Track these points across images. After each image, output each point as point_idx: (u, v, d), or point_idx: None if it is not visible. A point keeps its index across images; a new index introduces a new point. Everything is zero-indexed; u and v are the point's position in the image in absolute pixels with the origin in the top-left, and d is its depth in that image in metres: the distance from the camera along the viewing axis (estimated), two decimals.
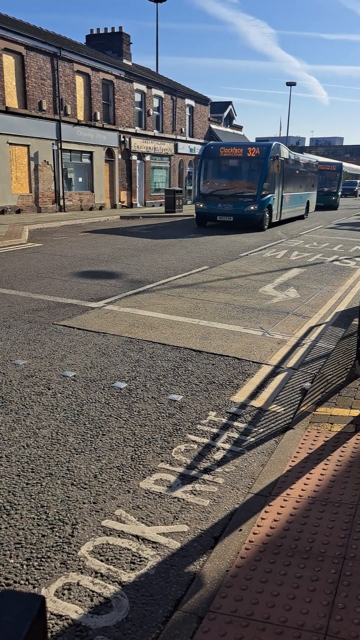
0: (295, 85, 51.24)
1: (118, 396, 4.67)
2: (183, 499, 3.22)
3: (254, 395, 4.82)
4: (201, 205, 19.80)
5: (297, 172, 24.04)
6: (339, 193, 35.85)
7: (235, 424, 4.25)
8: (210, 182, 20.34)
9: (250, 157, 19.68)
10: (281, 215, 21.78)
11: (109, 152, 27.21)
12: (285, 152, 21.78)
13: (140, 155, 29.74)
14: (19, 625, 0.64)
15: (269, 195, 19.72)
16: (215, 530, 2.96)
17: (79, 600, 2.44)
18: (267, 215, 19.64)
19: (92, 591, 2.50)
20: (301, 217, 25.97)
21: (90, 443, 3.84)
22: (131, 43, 30.93)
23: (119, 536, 2.88)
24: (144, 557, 2.73)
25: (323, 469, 3.45)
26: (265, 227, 19.64)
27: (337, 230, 21.39)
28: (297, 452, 3.69)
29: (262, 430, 4.17)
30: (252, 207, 18.99)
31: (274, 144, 20.35)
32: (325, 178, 34.10)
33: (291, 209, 23.50)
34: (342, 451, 3.68)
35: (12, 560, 2.67)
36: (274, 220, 20.84)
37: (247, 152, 19.70)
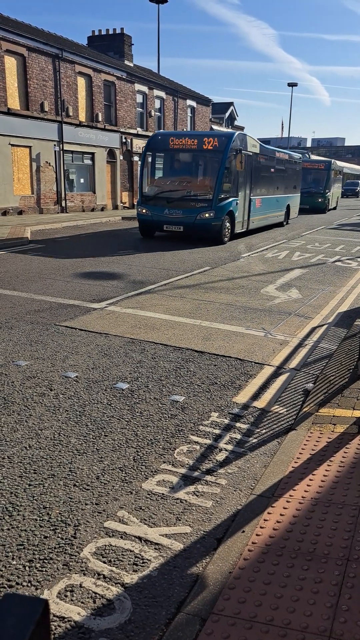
0: (296, 85, 51.22)
1: (120, 397, 4.66)
2: (185, 500, 3.21)
3: (256, 396, 4.81)
4: (144, 211, 15.58)
5: (273, 170, 20.11)
6: (328, 194, 31.68)
7: (238, 425, 4.24)
8: (156, 181, 16.47)
9: (207, 150, 15.50)
10: (249, 224, 17.77)
11: (111, 153, 27.23)
12: (253, 144, 17.64)
13: None
14: (22, 629, 0.63)
15: (231, 199, 15.66)
16: (218, 531, 2.94)
17: (82, 602, 2.44)
18: (228, 224, 15.63)
19: (95, 593, 2.49)
20: (280, 225, 21.89)
21: (92, 444, 3.83)
22: (133, 44, 30.98)
23: (121, 537, 2.87)
24: (147, 559, 2.72)
25: (326, 470, 3.44)
26: (226, 239, 15.58)
27: (338, 230, 21.36)
28: (300, 453, 3.68)
29: (264, 431, 4.16)
30: (206, 214, 14.80)
31: (236, 133, 16.05)
32: (312, 178, 30.92)
33: (264, 215, 19.36)
34: (345, 452, 3.66)
35: (14, 562, 2.67)
36: (239, 230, 16.87)
37: (202, 144, 15.44)
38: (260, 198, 18.68)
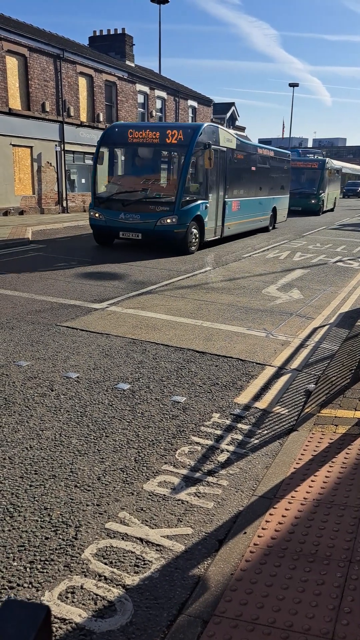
0: (297, 86, 51.25)
1: (121, 397, 4.65)
2: (187, 502, 3.20)
3: (257, 396, 4.80)
4: (97, 215, 13.34)
5: (254, 168, 17.73)
6: (322, 195, 29.48)
7: (239, 425, 4.23)
8: (111, 180, 14.28)
9: (170, 144, 13.31)
10: (223, 230, 15.27)
11: None
12: (228, 139, 15.13)
13: None
14: (24, 635, 0.62)
15: (199, 202, 13.31)
16: (220, 533, 2.93)
17: (83, 604, 2.43)
18: (196, 230, 13.33)
19: (96, 594, 2.48)
20: (264, 230, 19.56)
21: (93, 445, 3.82)
22: (134, 44, 31.00)
23: (122, 539, 2.86)
24: (148, 560, 2.71)
25: (328, 471, 3.42)
26: (193, 248, 13.31)
27: (340, 231, 21.34)
28: (302, 454, 3.67)
29: (266, 432, 4.15)
30: (168, 220, 12.55)
31: (205, 125, 13.64)
32: (306, 178, 29.06)
33: (244, 219, 16.93)
34: (347, 453, 3.65)
35: (15, 563, 2.66)
36: (211, 237, 14.47)
37: (165, 137, 13.17)
38: (239, 200, 16.26)
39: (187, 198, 12.94)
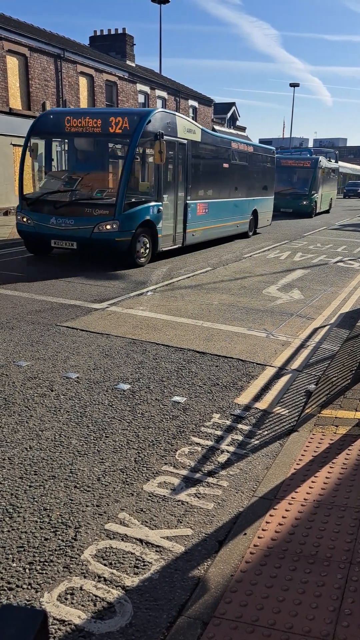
0: (298, 86, 51.20)
1: (121, 398, 4.64)
2: (187, 502, 3.19)
3: (258, 397, 4.79)
4: (24, 220, 11.11)
5: (227, 165, 15.36)
6: (315, 196, 27.63)
7: (240, 426, 4.22)
8: (43, 177, 12.18)
9: (113, 134, 11.05)
10: (185, 238, 12.83)
11: None
12: (189, 129, 12.65)
13: None
14: None
15: (148, 204, 11.02)
16: (220, 534, 2.93)
17: (82, 605, 2.42)
18: (146, 239, 11.12)
19: (96, 596, 2.47)
20: (244, 235, 17.21)
21: (93, 445, 3.81)
22: (134, 44, 31.02)
23: (122, 540, 2.85)
24: (148, 561, 2.70)
25: (328, 472, 3.42)
26: (143, 260, 11.11)
27: (340, 231, 21.33)
28: (302, 455, 3.66)
29: (266, 432, 4.14)
30: (107, 226, 10.23)
31: (155, 111, 11.35)
32: (297, 177, 27.33)
33: (213, 224, 14.49)
34: (347, 454, 3.64)
35: (14, 564, 2.65)
36: (169, 246, 12.18)
37: (107, 126, 10.86)
38: (206, 202, 13.93)
39: (133, 199, 10.72)
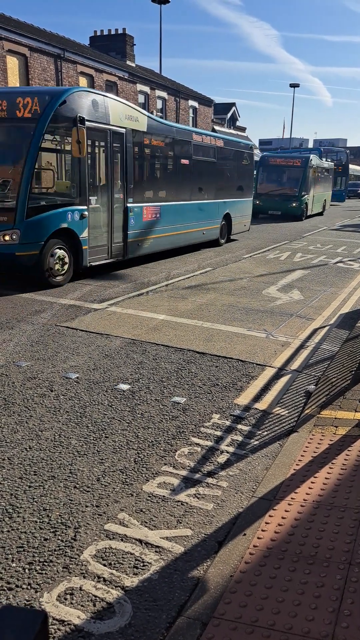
0: (298, 86, 51.33)
1: (121, 398, 4.64)
2: (187, 503, 3.20)
3: (257, 397, 4.79)
4: None
5: (186, 161, 13.02)
6: (306, 197, 25.29)
7: (239, 426, 4.22)
8: None
9: (23, 119, 8.71)
10: (128, 249, 10.61)
11: None
12: (128, 115, 10.41)
13: None
14: None
15: (65, 209, 8.86)
16: (219, 534, 2.93)
17: (82, 605, 2.42)
18: (63, 252, 8.86)
19: (95, 596, 2.47)
20: (214, 243, 14.93)
21: (93, 446, 3.81)
22: (134, 44, 31.05)
23: (122, 540, 2.85)
24: (147, 562, 2.70)
25: (328, 473, 3.42)
26: (60, 278, 8.92)
27: (340, 232, 21.34)
28: (302, 456, 3.66)
29: (266, 433, 4.14)
30: (5, 237, 8.21)
31: (74, 90, 9.12)
32: (287, 177, 25.11)
33: (169, 232, 12.22)
34: (347, 455, 3.65)
35: (14, 564, 2.65)
36: (100, 260, 9.89)
37: (15, 108, 8.71)
38: (157, 206, 11.72)
39: (43, 202, 8.70)
